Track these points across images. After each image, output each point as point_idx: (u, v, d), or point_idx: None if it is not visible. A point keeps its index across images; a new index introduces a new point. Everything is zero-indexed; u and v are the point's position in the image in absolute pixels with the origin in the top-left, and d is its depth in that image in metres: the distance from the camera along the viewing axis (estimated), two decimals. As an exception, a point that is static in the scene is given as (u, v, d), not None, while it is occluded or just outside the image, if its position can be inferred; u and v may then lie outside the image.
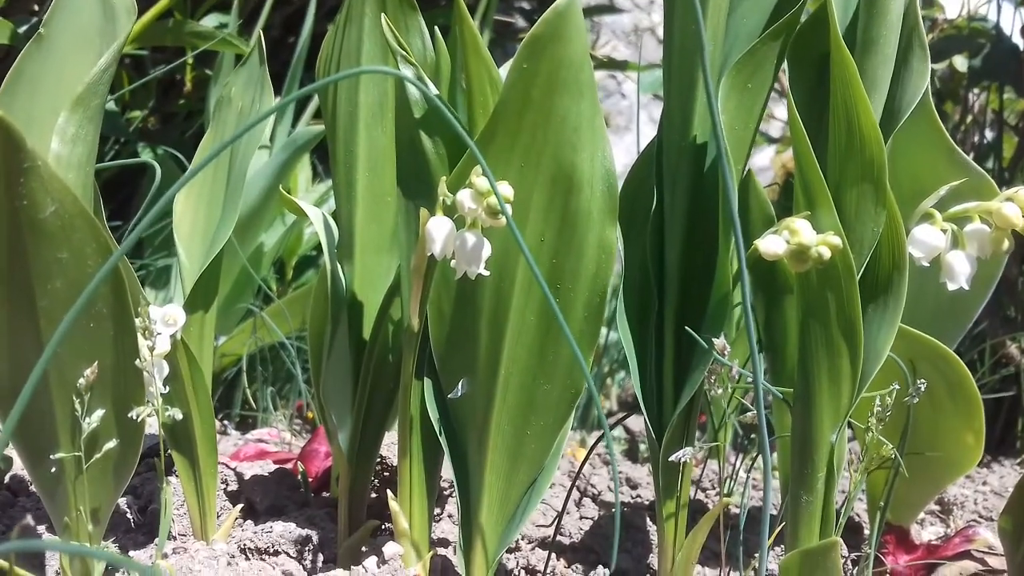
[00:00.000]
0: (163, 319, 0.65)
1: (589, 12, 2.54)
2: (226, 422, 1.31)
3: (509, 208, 0.53)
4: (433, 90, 0.64)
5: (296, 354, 1.36)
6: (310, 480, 0.90)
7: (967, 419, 0.76)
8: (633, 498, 0.98)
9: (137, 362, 0.56)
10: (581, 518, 0.88)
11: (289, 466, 0.94)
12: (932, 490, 0.78)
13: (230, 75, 0.77)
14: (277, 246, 1.47)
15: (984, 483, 1.14)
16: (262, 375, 1.45)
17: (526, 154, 0.61)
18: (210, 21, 1.72)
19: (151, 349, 0.55)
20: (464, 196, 0.54)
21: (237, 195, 0.74)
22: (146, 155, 1.85)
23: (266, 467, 0.99)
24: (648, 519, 0.86)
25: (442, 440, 0.65)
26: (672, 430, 0.63)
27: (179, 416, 0.56)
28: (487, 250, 0.57)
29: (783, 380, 0.71)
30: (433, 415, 0.66)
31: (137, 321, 0.54)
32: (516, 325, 0.62)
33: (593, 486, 0.97)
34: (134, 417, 0.55)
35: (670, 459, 0.60)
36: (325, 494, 0.91)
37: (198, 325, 0.72)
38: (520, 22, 2.52)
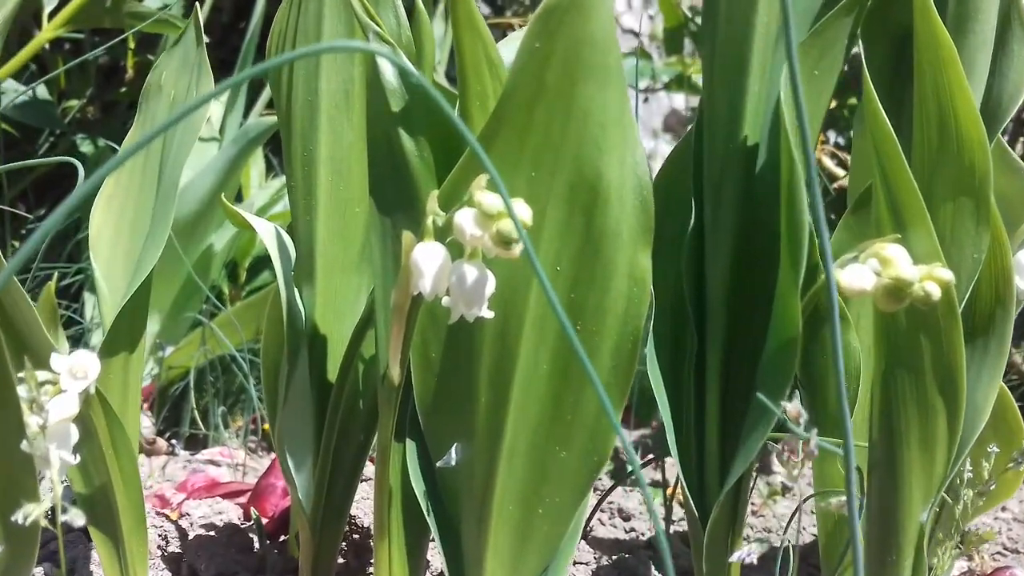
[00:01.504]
0: (70, 371, 0.49)
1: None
2: (174, 441, 1.19)
3: (526, 235, 0.37)
4: (415, 75, 0.48)
5: (250, 368, 1.19)
6: (265, 522, 0.75)
7: (1008, 446, 0.66)
8: (627, 532, 0.83)
9: (24, 444, 0.39)
10: (575, 563, 0.72)
11: (243, 501, 0.85)
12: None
13: (159, 58, 0.60)
14: (228, 246, 1.30)
15: (1003, 508, 1.01)
16: (213, 388, 1.27)
17: (538, 158, 0.45)
18: (154, 2, 1.52)
19: (43, 427, 0.38)
20: (464, 219, 0.38)
21: (168, 205, 0.58)
22: (85, 147, 1.64)
23: (216, 507, 0.88)
24: (652, 565, 0.71)
25: (429, 519, 0.49)
26: (719, 509, 0.47)
27: (79, 522, 0.39)
28: (492, 286, 0.41)
29: (824, 425, 0.56)
30: (418, 486, 0.50)
31: (21, 390, 0.37)
32: (525, 376, 0.47)
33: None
34: (21, 520, 0.38)
35: (730, 560, 0.45)
36: (283, 537, 0.75)
37: (121, 370, 0.56)
38: (483, 8, 2.33)
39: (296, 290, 0.63)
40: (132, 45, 1.72)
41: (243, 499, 0.88)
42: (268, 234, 0.62)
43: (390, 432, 0.53)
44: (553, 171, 0.48)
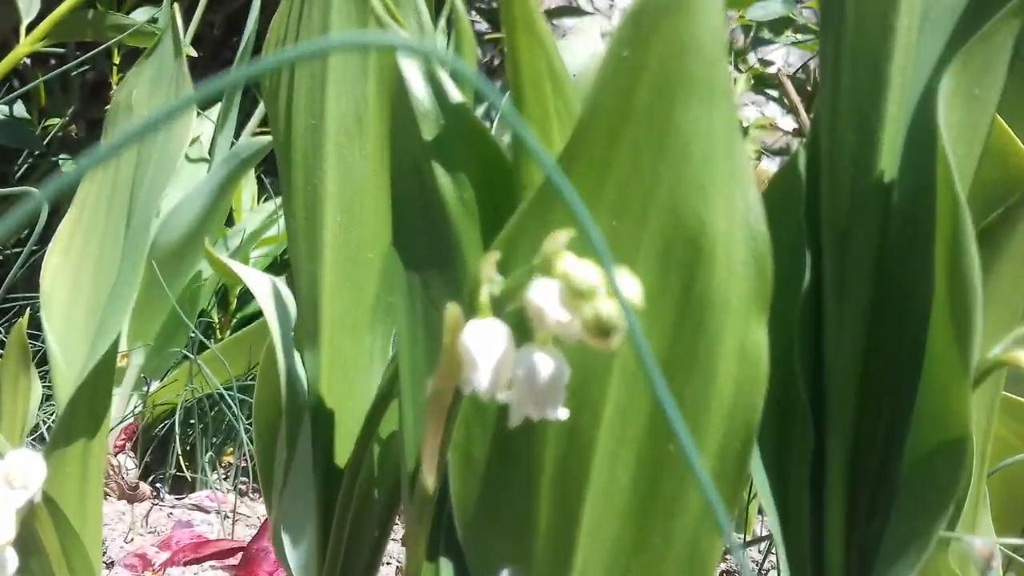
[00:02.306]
0: (5, 479, 0.37)
1: (551, 15, 2.24)
2: (159, 485, 1.11)
3: (637, 322, 0.25)
4: (454, 92, 0.35)
5: (240, 406, 1.07)
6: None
7: None
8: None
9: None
10: None
11: (233, 562, 0.79)
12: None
13: (129, 73, 0.47)
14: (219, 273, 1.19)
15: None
16: (200, 426, 1.15)
17: (622, 202, 0.33)
18: (141, 16, 1.39)
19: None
20: (545, 298, 0.25)
21: (139, 251, 0.46)
22: (68, 167, 1.51)
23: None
24: None
25: (473, 667, 0.36)
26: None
27: None
28: (567, 378, 0.28)
29: None
30: (456, 623, 0.37)
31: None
32: (602, 487, 0.34)
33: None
34: None
35: None
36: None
37: (78, 463, 0.43)
38: (482, 24, 2.20)
39: (295, 355, 0.50)
40: (117, 60, 1.60)
41: (233, 560, 0.81)
42: (262, 289, 0.50)
43: (422, 550, 0.39)
44: (642, 220, 0.36)
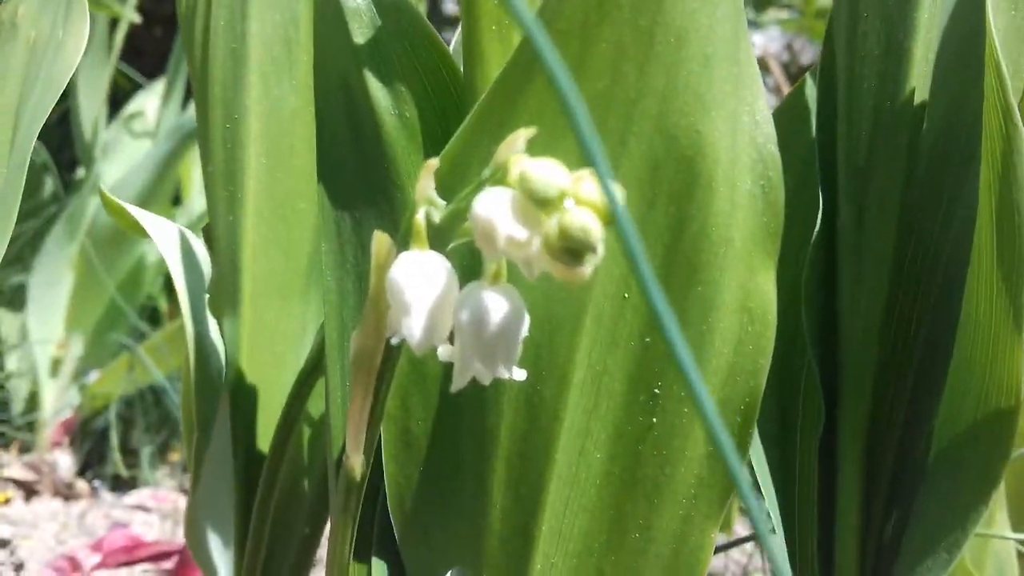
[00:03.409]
0: None
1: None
2: (97, 482, 1.04)
3: (633, 229, 0.16)
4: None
5: (186, 396, 0.96)
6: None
7: None
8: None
9: None
10: None
11: (169, 566, 0.75)
12: None
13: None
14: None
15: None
16: (144, 420, 1.06)
17: (600, 116, 0.25)
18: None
19: None
20: (495, 208, 0.17)
21: (19, 177, 0.37)
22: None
23: None
24: None
25: None
26: None
27: None
28: (524, 327, 0.20)
29: None
30: (391, 636, 0.29)
31: None
32: (568, 472, 0.27)
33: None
34: None
35: None
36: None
37: None
38: (450, 6, 2.11)
39: (208, 325, 0.42)
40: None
41: (168, 563, 0.77)
42: (166, 240, 0.42)
43: (348, 547, 0.32)
44: (623, 138, 0.29)
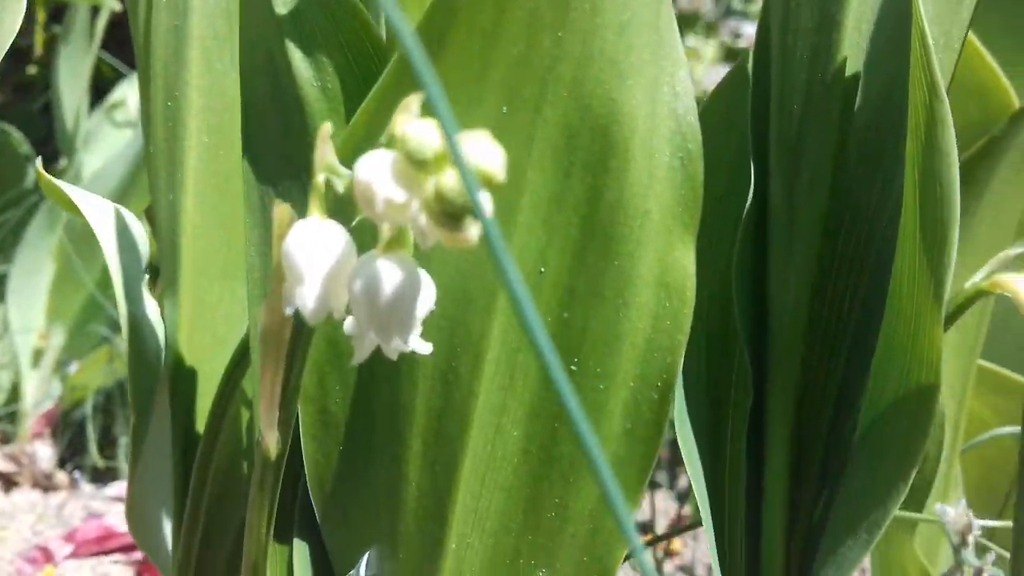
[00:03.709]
0: None
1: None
2: (77, 473, 1.04)
3: (488, 206, 0.15)
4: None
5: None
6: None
7: None
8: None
9: None
10: None
11: (139, 557, 0.76)
12: None
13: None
14: (148, 241, 1.08)
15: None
16: (123, 411, 1.05)
17: (514, 83, 0.24)
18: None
19: None
20: (374, 171, 0.16)
21: None
22: (-8, 132, 1.40)
23: (101, 569, 0.76)
24: None
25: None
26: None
27: None
28: (429, 299, 0.19)
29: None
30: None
31: None
32: (483, 450, 0.26)
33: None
34: None
35: None
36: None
37: None
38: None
39: (146, 305, 0.42)
40: (42, 19, 1.49)
41: (139, 554, 0.78)
42: (100, 218, 0.41)
43: (265, 528, 0.31)
44: (538, 105, 0.28)
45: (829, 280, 0.32)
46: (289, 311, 0.24)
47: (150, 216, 0.46)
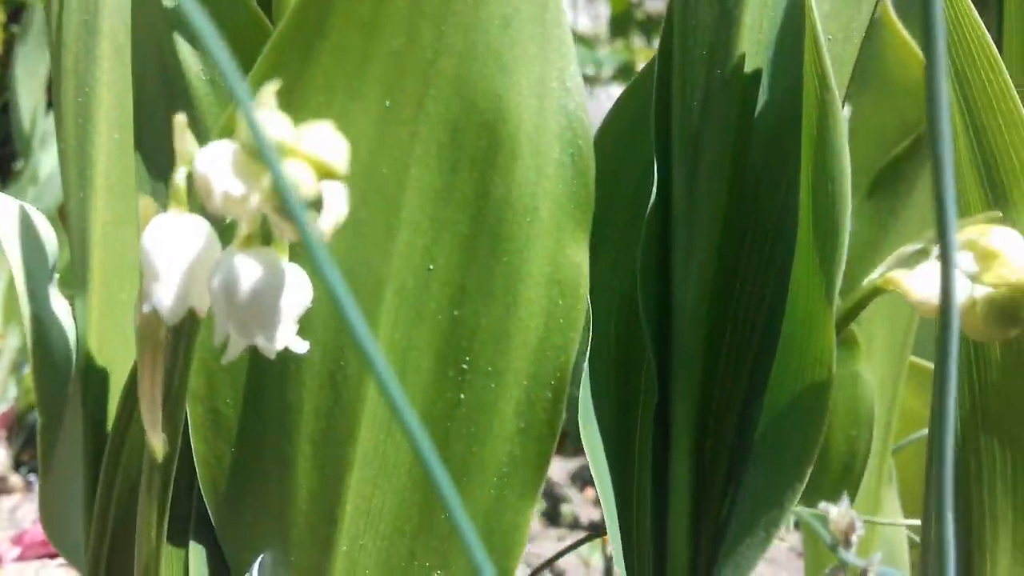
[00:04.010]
0: None
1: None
2: (32, 476, 1.01)
3: (339, 192, 0.14)
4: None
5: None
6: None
7: None
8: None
9: None
10: None
11: None
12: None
13: None
14: (56, 241, 1.06)
15: None
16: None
17: (396, 77, 0.23)
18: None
19: None
20: (214, 162, 0.15)
21: None
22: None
23: (44, 574, 0.75)
24: None
25: None
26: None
27: None
28: (303, 296, 0.18)
29: (823, 488, 0.36)
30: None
31: None
32: (373, 450, 0.25)
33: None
34: None
35: None
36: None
37: None
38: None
39: (55, 304, 0.41)
40: (2, 19, 1.47)
41: None
42: (3, 215, 0.39)
43: (155, 531, 0.30)
44: (421, 100, 0.27)
45: (731, 279, 0.32)
46: (147, 309, 0.24)
47: (63, 215, 0.45)
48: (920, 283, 0.26)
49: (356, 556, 0.30)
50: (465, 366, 0.29)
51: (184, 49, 0.31)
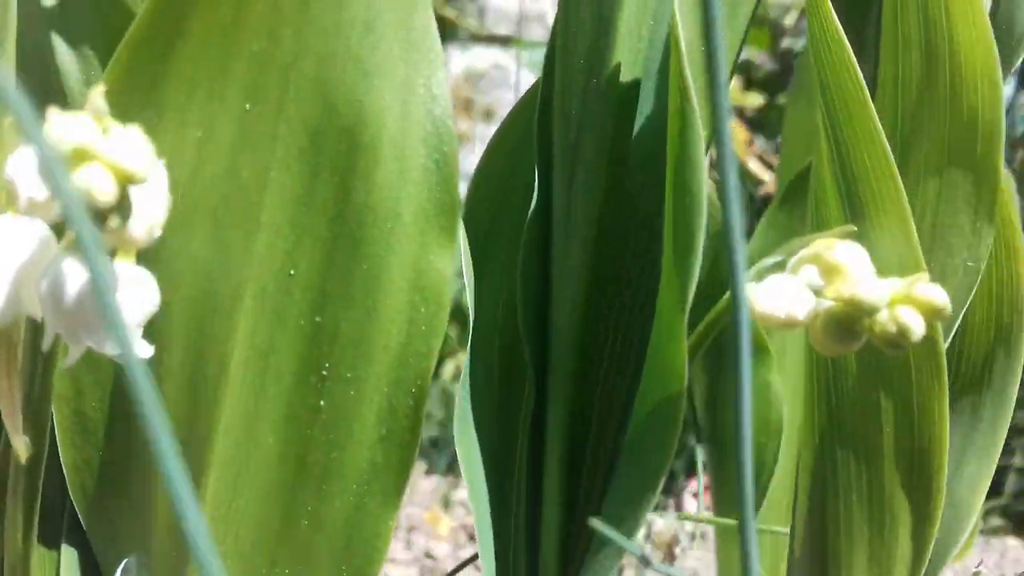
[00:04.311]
0: None
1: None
2: None
3: (153, 197, 0.14)
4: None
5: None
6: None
7: None
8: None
9: None
10: None
11: None
12: None
13: None
14: None
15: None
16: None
17: (257, 79, 0.23)
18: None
19: None
20: (22, 166, 0.15)
21: None
22: None
23: None
24: None
25: None
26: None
27: None
28: (145, 298, 0.18)
29: (729, 494, 0.37)
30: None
31: None
32: (235, 455, 0.25)
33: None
34: None
35: None
36: None
37: None
38: None
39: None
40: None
41: None
42: None
43: (21, 534, 0.30)
44: (281, 103, 0.27)
45: (605, 286, 0.31)
46: (-22, 310, 0.23)
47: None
48: (764, 296, 0.26)
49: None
50: (326, 372, 0.28)
51: (62, 49, 0.31)
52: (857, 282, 0.25)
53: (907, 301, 0.24)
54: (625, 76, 0.32)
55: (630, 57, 0.32)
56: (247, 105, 0.27)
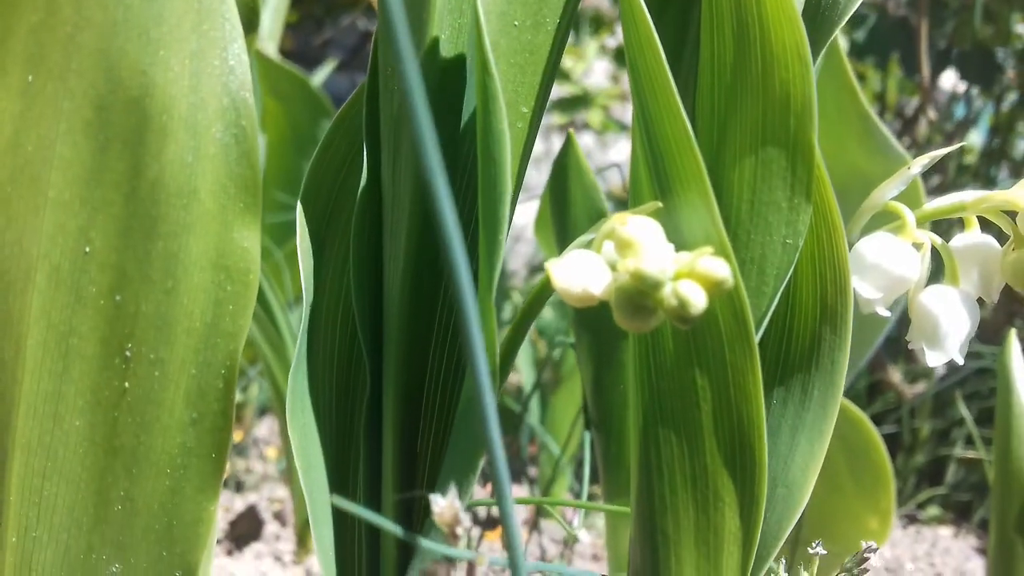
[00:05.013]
0: None
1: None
2: None
3: None
4: None
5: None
6: None
7: (872, 499, 0.53)
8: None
9: None
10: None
11: None
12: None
13: None
14: None
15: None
16: None
17: (38, 51, 0.21)
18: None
19: None
20: None
21: None
22: None
23: None
24: None
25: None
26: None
27: None
28: None
29: (619, 480, 0.36)
30: None
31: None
32: (40, 439, 0.24)
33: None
34: None
35: None
36: None
37: None
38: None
39: None
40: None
41: None
42: None
43: None
44: (63, 75, 0.26)
45: (433, 264, 0.30)
46: None
47: None
48: (561, 271, 0.25)
49: (30, 548, 0.28)
50: (129, 353, 0.27)
51: None
52: (643, 256, 0.24)
53: (690, 275, 0.24)
54: (445, 51, 0.30)
55: (450, 34, 0.30)
56: (29, 77, 0.26)
